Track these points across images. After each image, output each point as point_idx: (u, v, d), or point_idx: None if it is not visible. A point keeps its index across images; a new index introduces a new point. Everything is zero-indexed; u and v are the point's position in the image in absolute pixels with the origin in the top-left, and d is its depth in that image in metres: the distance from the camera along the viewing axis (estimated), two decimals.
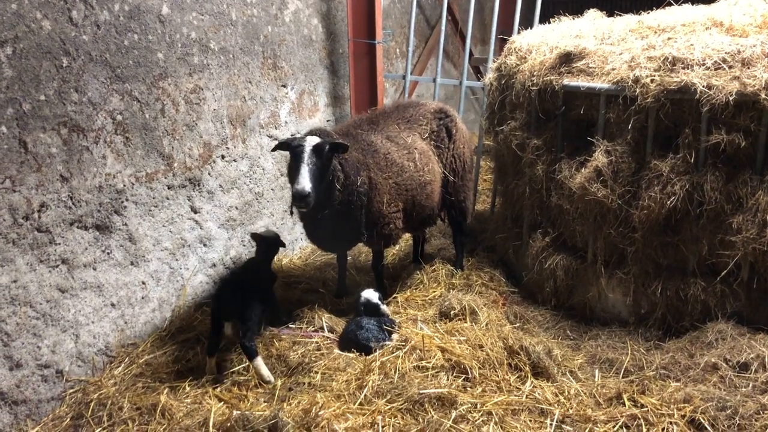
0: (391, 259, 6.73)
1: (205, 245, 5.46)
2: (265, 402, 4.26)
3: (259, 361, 4.40)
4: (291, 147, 4.66)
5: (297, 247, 6.81)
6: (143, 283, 4.82)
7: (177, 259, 5.16)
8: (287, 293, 5.69)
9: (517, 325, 5.27)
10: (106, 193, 4.45)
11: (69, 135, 4.17)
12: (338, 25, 7.37)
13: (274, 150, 4.79)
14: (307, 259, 6.63)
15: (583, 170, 5.04)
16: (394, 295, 5.70)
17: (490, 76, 6.27)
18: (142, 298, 4.83)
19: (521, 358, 4.52)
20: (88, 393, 4.24)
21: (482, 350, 4.53)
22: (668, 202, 4.65)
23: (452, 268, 6.08)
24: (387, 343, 4.66)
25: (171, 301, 5.11)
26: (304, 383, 4.39)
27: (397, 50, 9.46)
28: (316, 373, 4.47)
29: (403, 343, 4.51)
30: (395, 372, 4.23)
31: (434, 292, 5.78)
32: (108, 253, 4.51)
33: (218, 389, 4.35)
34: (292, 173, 4.66)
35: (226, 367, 4.61)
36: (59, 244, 4.13)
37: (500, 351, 4.55)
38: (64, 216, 4.15)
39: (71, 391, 4.23)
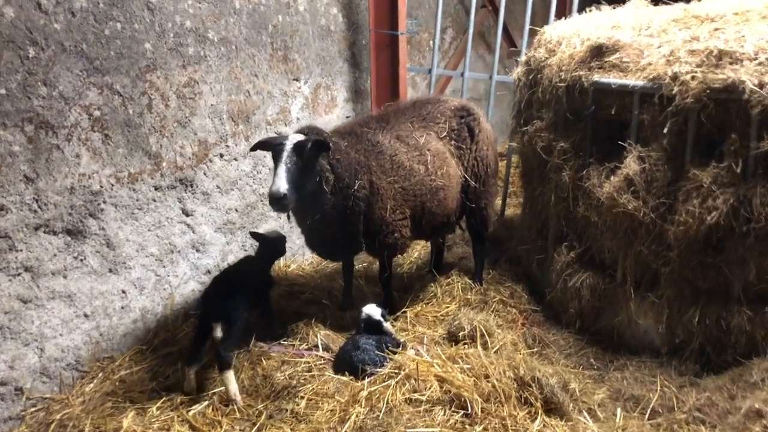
0: (407, 267, 6.25)
1: (198, 251, 5.08)
2: (240, 431, 3.87)
3: (230, 375, 4.02)
4: (271, 146, 4.26)
5: (307, 253, 6.39)
6: (123, 291, 4.48)
7: (164, 266, 4.79)
8: (288, 303, 5.27)
9: (536, 349, 4.73)
10: (79, 195, 4.10)
11: (35, 132, 3.83)
12: (361, 15, 6.90)
13: (253, 149, 4.39)
14: (317, 266, 6.20)
15: (612, 178, 4.45)
16: (403, 310, 5.23)
17: (518, 71, 5.70)
18: (122, 308, 4.48)
19: (533, 391, 3.98)
20: (51, 412, 3.92)
21: (488, 381, 4.00)
22: (709, 218, 4.03)
23: (470, 281, 5.55)
24: (380, 369, 4.18)
25: (156, 311, 4.75)
26: (287, 410, 3.97)
27: (431, 41, 8.91)
28: (302, 398, 4.04)
29: (397, 371, 4.02)
30: (384, 404, 3.75)
31: (447, 307, 5.28)
32: (81, 260, 4.17)
33: (192, 412, 3.97)
34: (273, 174, 4.25)
35: (207, 386, 4.22)
36: (21, 250, 3.80)
37: (509, 382, 4.02)
38: (27, 220, 3.82)
39: (33, 409, 3.92)
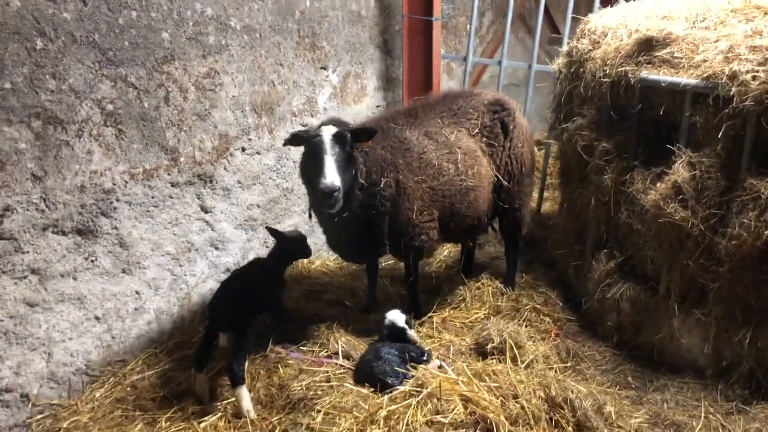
0: (436, 267, 5.97)
1: (217, 248, 4.89)
2: None
3: (243, 391, 3.80)
4: (308, 138, 3.99)
5: None
6: (137, 292, 4.30)
7: (181, 265, 4.61)
8: (309, 304, 5.05)
9: (569, 364, 4.44)
10: (90, 193, 3.92)
11: (43, 128, 3.64)
12: None
13: (286, 144, 4.10)
14: (342, 263, 5.95)
15: (659, 185, 4.10)
16: (429, 314, 4.96)
17: (559, 62, 5.32)
18: (135, 309, 4.31)
19: (564, 414, 3.70)
20: (59, 419, 3.78)
21: (516, 401, 3.73)
22: (766, 233, 3.68)
23: (501, 285, 5.25)
24: (402, 382, 3.94)
25: (172, 312, 4.58)
26: (302, 425, 3.75)
27: (468, 26, 8.52)
28: (318, 412, 3.81)
29: (418, 389, 3.77)
30: (403, 427, 3.51)
31: (476, 314, 5.00)
32: (92, 261, 4.00)
33: (203, 424, 3.78)
34: (314, 168, 3.97)
35: (220, 393, 4.04)
36: (27, 252, 3.63)
37: (539, 403, 3.74)
38: (34, 220, 3.65)
39: (40, 416, 3.77)
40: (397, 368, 4.09)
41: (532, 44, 6.81)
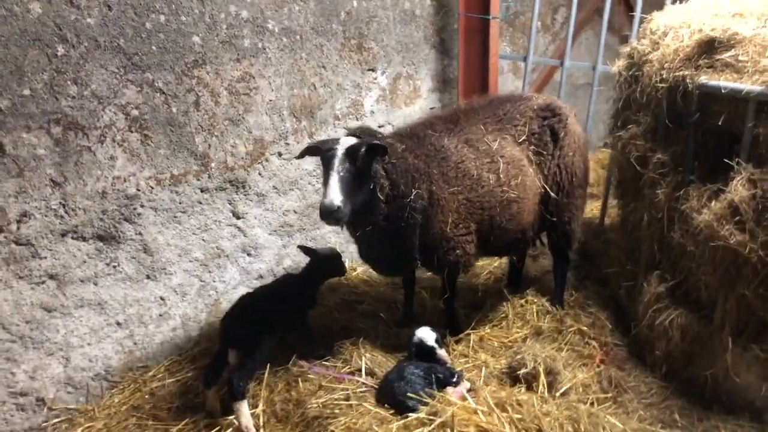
0: (484, 278, 5.68)
1: (249, 255, 4.81)
2: None
3: (242, 407, 3.68)
4: (321, 151, 3.82)
5: None
6: (162, 298, 4.28)
7: (210, 271, 4.56)
8: (341, 314, 4.90)
9: (610, 394, 4.07)
10: (112, 199, 3.91)
11: (63, 134, 3.65)
12: None
13: (300, 156, 3.96)
14: None
15: (714, 203, 3.68)
16: (467, 332, 4.70)
17: (619, 64, 4.91)
18: (160, 315, 4.29)
19: None
20: (75, 424, 3.80)
21: None
22: None
23: (548, 303, 4.91)
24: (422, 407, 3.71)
25: (199, 319, 4.54)
26: None
27: (539, 23, 8.12)
28: None
29: (431, 417, 3.53)
30: None
31: (517, 333, 4.69)
32: (114, 267, 4.00)
33: None
34: (323, 182, 3.82)
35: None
36: (45, 257, 3.66)
37: None
38: (52, 226, 3.67)
39: (56, 420, 3.81)
40: (419, 390, 3.88)
41: (612, 41, 6.38)
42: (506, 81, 7.68)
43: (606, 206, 6.11)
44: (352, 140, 3.81)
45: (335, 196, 3.62)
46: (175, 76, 4.14)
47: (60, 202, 3.68)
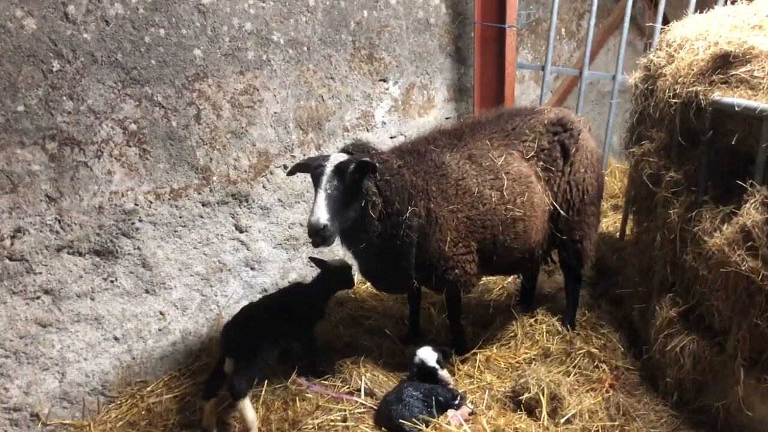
0: (496, 294, 5.53)
1: (252, 269, 4.76)
2: None
3: (246, 403, 3.67)
4: (310, 168, 3.75)
5: None
6: (161, 313, 4.26)
7: (211, 285, 4.52)
8: (346, 330, 4.82)
9: (617, 423, 3.90)
10: (109, 214, 3.89)
11: (59, 149, 3.64)
12: (469, 4, 6.18)
13: (290, 173, 3.89)
14: None
15: (726, 227, 3.49)
16: (474, 351, 4.57)
17: (635, 75, 4.72)
18: (159, 330, 4.26)
19: None
20: None
21: None
22: None
23: (558, 323, 4.75)
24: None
25: (200, 333, 4.50)
26: None
27: (563, 29, 7.92)
28: None
29: None
30: None
31: (525, 354, 4.55)
32: (111, 281, 3.98)
33: None
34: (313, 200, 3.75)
35: (230, 425, 3.90)
36: (40, 273, 3.65)
37: None
38: (47, 242, 3.66)
39: None
40: (417, 414, 3.78)
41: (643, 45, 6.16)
42: (528, 89, 7.51)
43: (626, 220, 5.90)
44: (342, 157, 3.72)
45: (321, 214, 3.55)
46: (176, 90, 4.10)
47: (55, 218, 3.67)
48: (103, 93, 3.77)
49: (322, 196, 3.59)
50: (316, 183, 3.65)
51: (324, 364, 4.29)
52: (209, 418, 3.82)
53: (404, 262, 4.02)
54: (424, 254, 4.04)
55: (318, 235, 3.57)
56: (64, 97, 3.62)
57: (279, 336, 4.01)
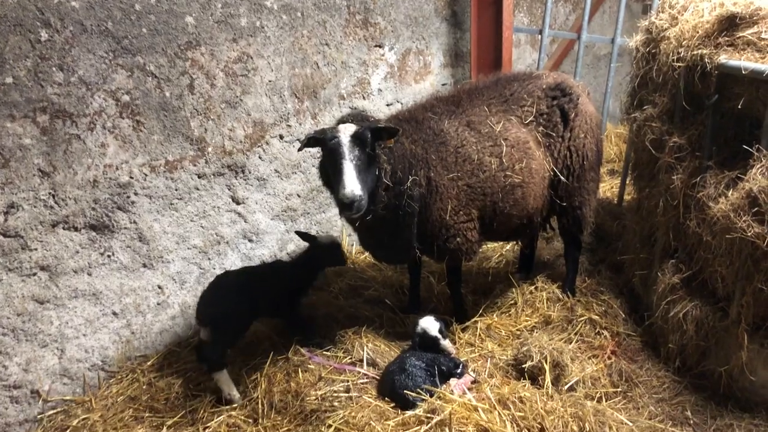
0: (495, 262, 5.51)
1: (250, 240, 4.71)
2: None
3: (222, 376, 3.78)
4: (326, 141, 3.62)
5: None
6: (159, 287, 4.20)
7: (209, 258, 4.47)
8: (346, 301, 4.79)
9: (620, 389, 3.92)
10: (104, 188, 3.81)
11: (50, 122, 3.54)
12: None
13: (301, 149, 3.76)
14: None
15: (731, 192, 3.46)
16: (475, 319, 4.56)
17: (636, 39, 4.63)
18: (158, 304, 4.22)
19: None
20: (71, 415, 3.76)
21: None
22: None
23: (558, 291, 4.73)
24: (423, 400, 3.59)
25: None
26: None
27: None
28: (329, 427, 3.57)
29: (429, 415, 3.41)
30: None
31: (526, 321, 4.54)
32: (108, 256, 3.91)
33: (207, 431, 3.64)
34: (333, 173, 3.63)
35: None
36: (35, 249, 3.58)
37: None
38: (42, 217, 3.58)
39: (52, 412, 3.77)
40: (421, 384, 3.77)
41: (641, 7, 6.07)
42: (524, 53, 7.41)
43: (625, 186, 5.87)
44: (353, 127, 3.63)
45: (354, 185, 3.43)
46: (168, 59, 3.99)
47: (49, 193, 3.59)
48: (94, 63, 3.66)
49: (349, 166, 3.48)
50: (337, 154, 3.52)
51: (319, 336, 4.26)
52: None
53: (407, 233, 3.97)
54: (425, 224, 3.99)
55: (354, 208, 3.47)
56: (54, 68, 3.51)
57: (254, 308, 3.99)
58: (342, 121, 3.73)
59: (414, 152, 3.90)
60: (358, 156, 3.54)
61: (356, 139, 3.55)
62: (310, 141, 3.72)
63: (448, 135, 4.04)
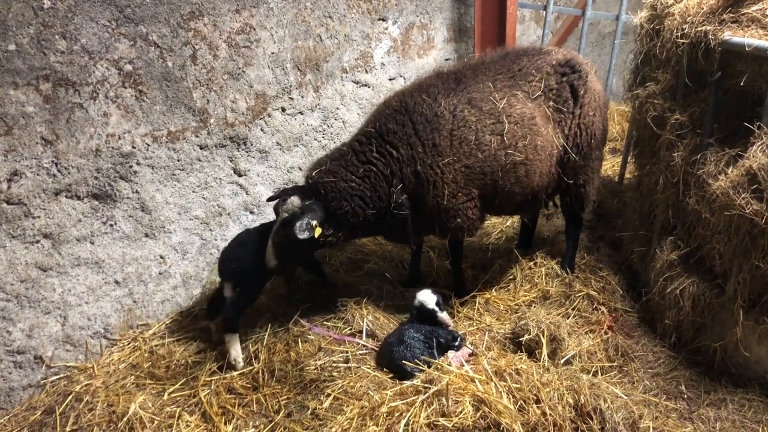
0: (495, 238, 5.54)
1: (251, 212, 4.73)
2: (254, 428, 3.55)
3: (234, 339, 3.89)
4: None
5: None
6: (161, 257, 4.23)
7: (211, 229, 4.49)
8: (347, 274, 4.83)
9: (615, 363, 3.97)
10: (106, 157, 3.82)
11: (53, 90, 3.55)
12: None
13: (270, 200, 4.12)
14: None
15: (731, 170, 3.48)
16: (474, 294, 4.60)
17: (641, 15, 4.61)
18: (160, 273, 4.25)
19: (592, 426, 3.30)
20: (74, 381, 3.81)
21: (538, 407, 3.35)
22: None
23: (557, 267, 4.76)
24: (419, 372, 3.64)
25: (201, 277, 4.50)
26: (308, 408, 3.59)
27: None
28: (328, 396, 3.63)
29: (427, 385, 3.46)
30: (401, 427, 3.24)
31: (524, 296, 4.58)
32: (111, 225, 3.94)
33: (208, 391, 3.70)
34: None
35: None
36: (38, 217, 3.60)
37: (564, 410, 3.34)
38: (45, 185, 3.60)
39: (55, 378, 3.82)
40: (419, 355, 3.81)
41: None
42: (528, 29, 7.37)
43: (626, 164, 5.87)
44: (296, 202, 3.88)
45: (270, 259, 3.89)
46: (171, 29, 3.98)
47: (52, 161, 3.60)
48: (97, 32, 3.65)
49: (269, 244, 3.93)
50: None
51: (327, 302, 4.32)
52: (218, 334, 4.02)
53: (403, 232, 4.08)
54: (422, 212, 4.04)
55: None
56: (57, 36, 3.50)
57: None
58: (300, 187, 4.06)
59: (388, 163, 3.99)
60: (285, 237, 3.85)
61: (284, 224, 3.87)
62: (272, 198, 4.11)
63: (443, 118, 4.01)
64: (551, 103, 4.34)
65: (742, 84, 3.48)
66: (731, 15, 3.62)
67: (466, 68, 4.34)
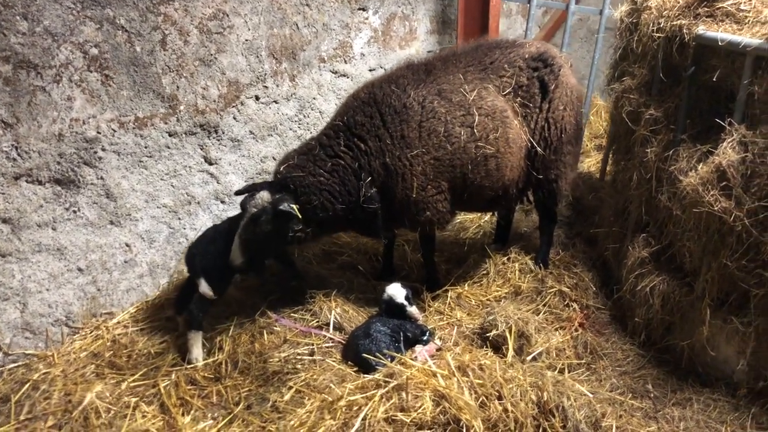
0: (472, 233, 5.48)
1: (222, 202, 4.67)
2: (212, 420, 3.50)
3: (196, 337, 3.83)
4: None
5: None
6: (127, 245, 4.17)
7: (180, 218, 4.43)
8: (319, 266, 4.78)
9: (584, 361, 3.92)
10: (70, 142, 3.75)
11: (13, 72, 3.47)
12: None
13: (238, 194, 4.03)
14: None
15: (701, 166, 3.42)
16: (446, 288, 4.55)
17: (621, 9, 4.55)
18: (125, 262, 4.19)
19: (554, 424, 3.24)
20: (32, 369, 3.74)
21: (500, 403, 3.30)
22: None
23: (531, 262, 4.71)
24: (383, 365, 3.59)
25: (169, 266, 4.44)
26: (269, 401, 3.54)
27: None
28: (290, 388, 3.58)
29: (387, 380, 3.40)
30: (358, 421, 3.19)
31: (497, 292, 4.54)
32: (74, 212, 3.87)
33: (168, 383, 3.65)
34: None
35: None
36: None
37: (527, 407, 3.29)
38: (4, 169, 3.53)
39: (13, 365, 3.75)
40: (384, 349, 3.76)
41: None
42: (515, 24, 7.32)
43: (608, 160, 5.81)
44: (266, 197, 3.81)
45: (237, 257, 3.82)
46: (139, 13, 3.91)
47: (12, 144, 3.53)
48: (61, 14, 3.58)
49: (236, 241, 3.85)
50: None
51: (296, 293, 4.26)
52: (185, 328, 3.93)
53: (372, 226, 4.04)
54: (391, 205, 3.99)
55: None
56: (18, 17, 3.43)
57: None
58: (273, 177, 4.00)
59: (356, 157, 3.93)
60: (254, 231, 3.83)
61: (253, 219, 3.82)
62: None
63: (411, 110, 3.95)
64: (518, 99, 4.29)
65: (714, 79, 3.43)
66: (706, 9, 3.57)
67: (436, 59, 4.29)
